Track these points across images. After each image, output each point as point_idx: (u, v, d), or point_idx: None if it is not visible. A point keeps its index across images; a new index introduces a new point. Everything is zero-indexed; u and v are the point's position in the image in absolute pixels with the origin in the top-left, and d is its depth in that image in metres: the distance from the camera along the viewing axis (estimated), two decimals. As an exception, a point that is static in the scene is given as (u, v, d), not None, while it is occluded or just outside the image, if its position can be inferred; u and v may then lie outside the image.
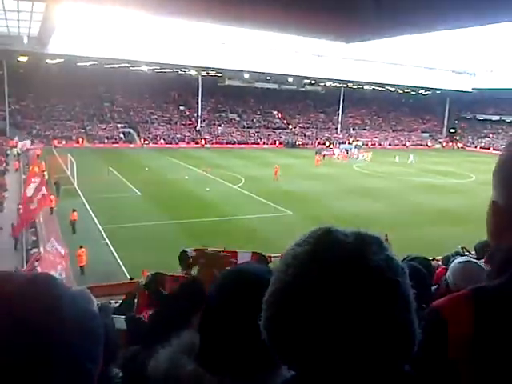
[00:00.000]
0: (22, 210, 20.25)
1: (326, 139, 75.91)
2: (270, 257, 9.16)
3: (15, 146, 47.92)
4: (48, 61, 60.88)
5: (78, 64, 63.81)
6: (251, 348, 1.02)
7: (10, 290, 0.73)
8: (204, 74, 72.72)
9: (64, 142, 59.01)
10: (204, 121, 74.74)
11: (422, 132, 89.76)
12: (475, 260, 3.38)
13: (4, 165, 38.38)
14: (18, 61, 57.91)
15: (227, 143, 69.68)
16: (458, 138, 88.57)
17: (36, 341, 0.69)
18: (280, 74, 74.65)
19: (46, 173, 33.43)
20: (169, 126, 71.79)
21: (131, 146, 63.23)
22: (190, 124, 73.67)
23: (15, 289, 0.73)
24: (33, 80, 63.06)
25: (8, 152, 45.57)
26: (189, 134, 71.13)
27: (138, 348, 1.53)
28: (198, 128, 72.96)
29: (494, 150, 73.91)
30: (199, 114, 74.26)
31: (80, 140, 61.28)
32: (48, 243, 16.71)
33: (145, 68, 69.71)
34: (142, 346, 1.61)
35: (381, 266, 0.76)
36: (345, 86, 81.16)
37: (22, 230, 20.31)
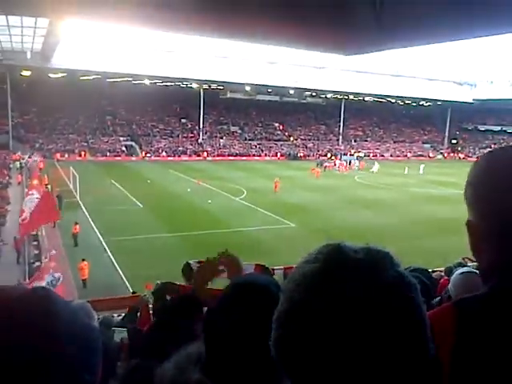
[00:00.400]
0: (20, 223, 20.33)
1: (328, 151, 76.10)
2: (273, 269, 9.14)
3: (18, 160, 48.14)
4: (51, 75, 61.40)
5: (81, 78, 64.36)
6: (257, 358, 1.02)
7: (9, 302, 0.74)
8: (206, 86, 73.21)
9: (67, 156, 59.27)
10: (206, 133, 75.04)
11: (424, 143, 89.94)
12: (476, 270, 3.37)
13: (7, 178, 38.53)
14: (22, 75, 58.42)
15: (229, 155, 69.89)
16: (459, 148, 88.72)
17: (34, 351, 0.70)
18: (281, 87, 75.13)
19: (49, 186, 33.67)
20: (171, 138, 72.09)
21: (133, 158, 63.51)
22: (191, 137, 73.98)
23: (13, 301, 0.75)
24: (36, 94, 63.59)
25: (11, 165, 45.77)
26: (191, 146, 71.39)
27: (140, 360, 1.54)
28: (199, 140, 73.24)
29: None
30: (201, 126, 74.60)
31: (82, 153, 61.56)
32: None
33: (147, 81, 70.24)
34: (143, 357, 1.61)
35: (393, 282, 0.74)
36: (346, 97, 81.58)
37: (23, 241, 20.29)
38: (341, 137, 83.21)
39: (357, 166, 60.10)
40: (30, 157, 49.65)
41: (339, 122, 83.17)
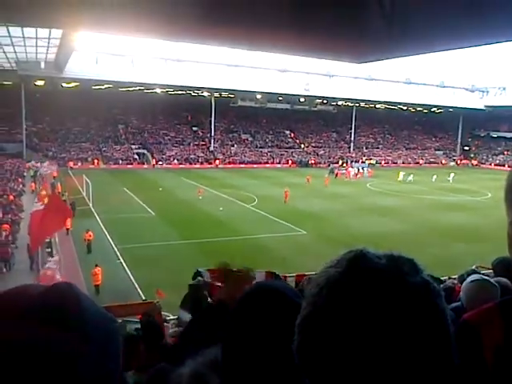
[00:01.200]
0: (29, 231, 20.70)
1: (339, 158, 75.92)
2: (285, 277, 9.12)
3: (31, 168, 48.67)
4: (64, 84, 62.25)
5: (94, 87, 65.13)
6: (275, 364, 1.02)
7: (33, 294, 0.77)
8: (217, 95, 73.62)
9: (80, 164, 59.88)
10: (217, 141, 75.31)
11: (436, 150, 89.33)
12: (487, 277, 3.34)
13: (21, 186, 38.97)
14: (35, 85, 59.30)
15: (240, 163, 70.01)
16: (472, 155, 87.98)
17: (61, 342, 0.73)
18: (292, 95, 75.29)
19: (66, 193, 34.14)
20: (182, 146, 72.45)
21: (145, 166, 63.95)
22: (203, 144, 74.29)
23: (36, 293, 0.77)
24: (49, 103, 64.41)
25: (25, 174, 46.31)
26: (202, 154, 71.67)
27: (164, 365, 1.56)
28: (211, 148, 73.50)
29: (508, 167, 73.14)
30: (212, 134, 74.90)
31: (95, 161, 62.14)
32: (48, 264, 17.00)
33: (158, 90, 70.87)
34: (168, 362, 1.64)
35: (418, 288, 0.74)
36: (357, 105, 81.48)
37: (36, 248, 20.43)
38: (352, 144, 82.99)
39: (366, 173, 59.58)
40: (43, 163, 50.22)
41: (350, 129, 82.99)
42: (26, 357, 0.69)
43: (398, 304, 0.71)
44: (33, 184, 40.20)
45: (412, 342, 0.71)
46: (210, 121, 74.56)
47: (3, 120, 62.21)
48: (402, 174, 55.77)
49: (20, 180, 41.36)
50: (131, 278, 19.49)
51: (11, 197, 32.66)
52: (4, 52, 43.28)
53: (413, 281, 0.74)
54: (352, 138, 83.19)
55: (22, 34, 35.94)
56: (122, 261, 21.57)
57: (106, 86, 65.02)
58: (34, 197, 35.23)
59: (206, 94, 72.80)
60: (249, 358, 1.10)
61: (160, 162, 65.91)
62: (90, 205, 33.36)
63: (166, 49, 65.62)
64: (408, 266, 0.77)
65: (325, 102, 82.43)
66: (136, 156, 67.20)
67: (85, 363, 0.74)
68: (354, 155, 79.17)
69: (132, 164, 64.47)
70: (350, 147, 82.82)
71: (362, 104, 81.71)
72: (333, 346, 0.72)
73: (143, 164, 65.19)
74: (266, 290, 1.20)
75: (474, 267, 8.33)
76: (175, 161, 67.53)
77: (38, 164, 49.83)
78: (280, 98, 78.28)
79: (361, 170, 60.55)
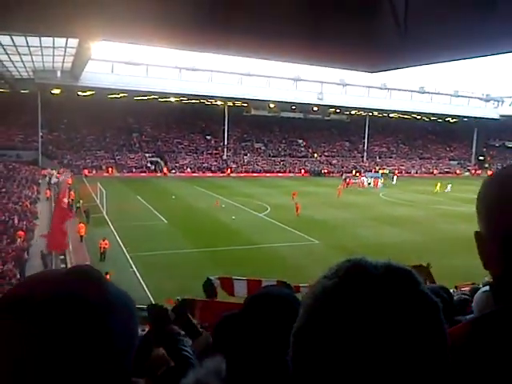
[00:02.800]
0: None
1: (352, 167, 75.67)
2: (298, 286, 9.06)
3: (46, 175, 49.24)
4: (80, 93, 63.12)
5: (109, 96, 65.92)
6: (277, 371, 1.02)
7: (59, 275, 0.80)
8: (230, 104, 74.03)
9: (94, 172, 60.46)
10: (230, 150, 75.58)
11: (450, 160, 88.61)
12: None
13: (36, 193, 39.40)
14: (52, 93, 60.22)
15: (253, 172, 70.13)
16: (486, 165, 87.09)
17: (90, 322, 0.75)
18: (305, 104, 75.40)
19: (81, 201, 34.56)
20: (195, 155, 72.83)
21: (158, 174, 64.37)
22: (216, 153, 74.60)
23: (61, 273, 0.81)
24: (65, 111, 65.28)
25: (40, 181, 46.82)
26: (215, 163, 71.96)
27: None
28: (224, 157, 73.77)
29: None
30: (225, 143, 75.21)
31: (110, 169, 62.68)
32: None
33: (172, 99, 71.48)
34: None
35: (412, 302, 0.72)
36: (370, 114, 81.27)
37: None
38: (365, 153, 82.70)
39: (372, 183, 59.05)
40: (59, 173, 50.75)
41: (363, 138, 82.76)
42: (69, 307, 0.73)
43: (391, 316, 0.70)
44: (48, 191, 40.63)
45: (406, 357, 0.69)
46: (224, 129, 74.93)
47: (20, 128, 63.24)
48: (447, 186, 54.91)
49: (35, 187, 41.83)
50: (143, 285, 19.53)
51: (26, 204, 33.04)
52: (22, 61, 44.06)
53: (407, 294, 0.73)
54: (365, 148, 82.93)
55: (40, 43, 36.61)
56: (135, 268, 21.65)
57: (121, 94, 65.77)
58: (49, 204, 35.66)
59: (219, 102, 73.26)
60: (253, 364, 1.09)
61: (173, 171, 66.29)
62: (104, 212, 33.61)
63: (180, 58, 66.31)
64: (404, 277, 0.75)
65: (338, 111, 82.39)
66: (150, 164, 67.68)
67: (112, 342, 0.76)
68: (367, 164, 78.88)
69: (145, 172, 64.97)
70: (363, 156, 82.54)
71: (376, 113, 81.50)
72: (326, 356, 0.71)
73: (156, 172, 65.63)
74: (273, 296, 1.19)
75: (487, 279, 8.21)
76: (188, 169, 67.89)
77: (54, 171, 50.40)
78: (293, 107, 78.41)
79: (365, 180, 59.95)
